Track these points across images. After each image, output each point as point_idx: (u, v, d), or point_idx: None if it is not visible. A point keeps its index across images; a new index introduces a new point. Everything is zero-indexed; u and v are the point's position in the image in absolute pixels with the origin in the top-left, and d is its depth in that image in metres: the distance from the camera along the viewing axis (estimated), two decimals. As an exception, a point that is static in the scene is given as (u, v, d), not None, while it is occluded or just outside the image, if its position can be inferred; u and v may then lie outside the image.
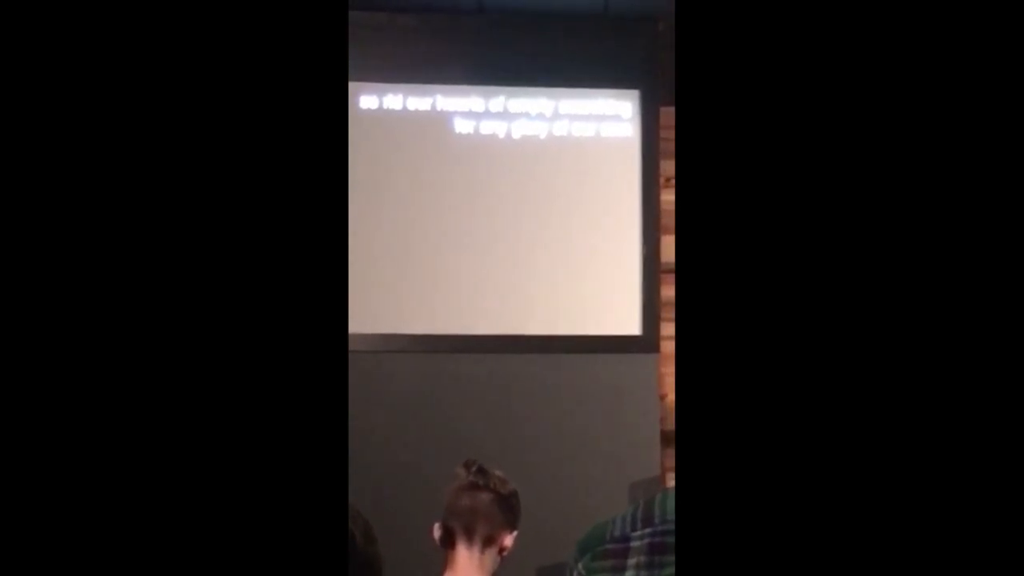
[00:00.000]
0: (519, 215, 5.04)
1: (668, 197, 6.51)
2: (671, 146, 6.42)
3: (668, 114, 6.30)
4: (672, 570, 1.33)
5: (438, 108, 5.02)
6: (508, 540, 2.90)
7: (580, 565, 1.43)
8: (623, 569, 1.39)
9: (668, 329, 4.93)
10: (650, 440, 4.87)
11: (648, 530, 1.40)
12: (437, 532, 2.87)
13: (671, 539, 1.37)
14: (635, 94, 5.33)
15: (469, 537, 2.82)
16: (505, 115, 5.11)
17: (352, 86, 4.83)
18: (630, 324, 5.06)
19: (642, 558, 1.39)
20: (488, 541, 2.85)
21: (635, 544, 1.39)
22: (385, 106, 4.99)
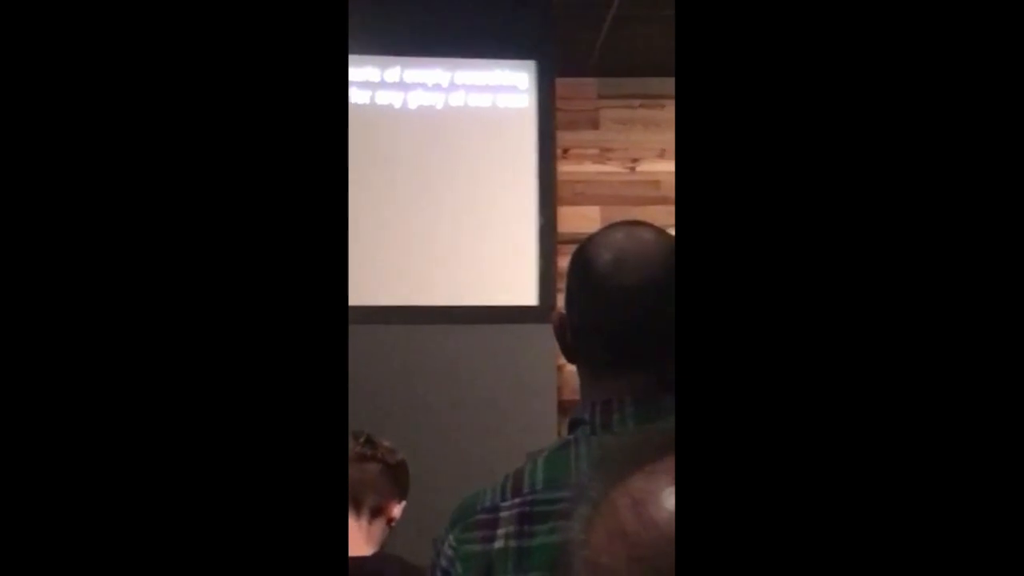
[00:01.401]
0: (416, 186, 5.02)
1: (564, 168, 6.52)
2: (567, 117, 6.43)
3: (564, 85, 6.31)
4: (542, 539, 1.34)
5: (332, 78, 4.97)
6: (396, 510, 2.90)
7: (451, 537, 1.43)
8: (492, 539, 1.40)
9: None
10: (546, 410, 4.90)
11: (517, 500, 1.40)
12: (325, 504, 2.85)
13: (540, 508, 1.38)
14: (531, 65, 5.34)
15: (357, 508, 2.81)
16: (401, 85, 5.07)
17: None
18: (526, 295, 5.08)
19: (511, 528, 1.39)
20: (376, 511, 2.84)
21: (504, 514, 1.40)
22: (278, 76, 4.93)
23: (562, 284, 1.53)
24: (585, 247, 1.48)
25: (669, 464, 0.73)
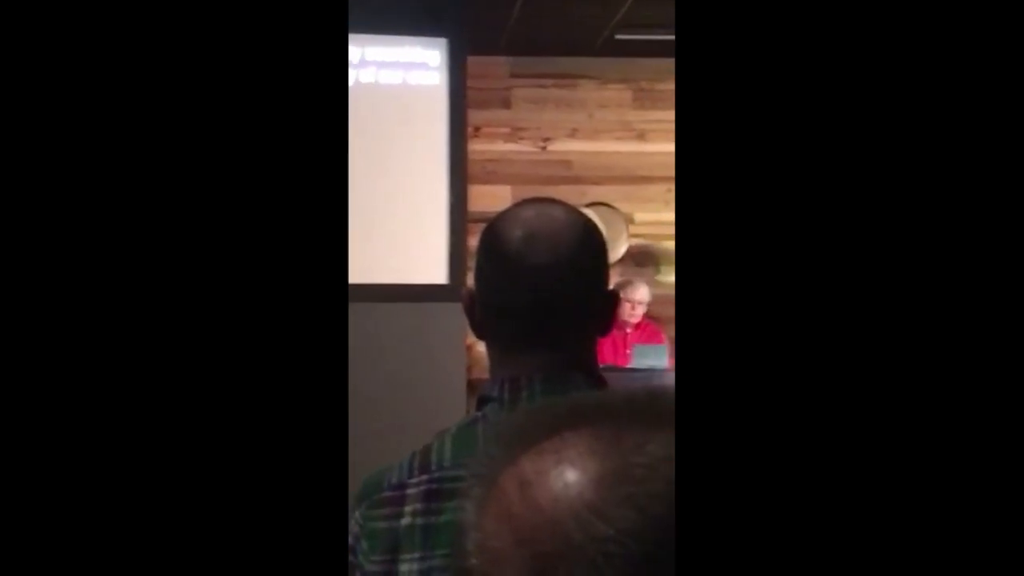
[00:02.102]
0: (325, 163, 4.98)
1: (475, 147, 6.52)
2: (478, 95, 6.42)
3: (475, 63, 6.30)
4: (449, 516, 1.33)
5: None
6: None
7: (357, 514, 1.43)
8: (399, 516, 1.39)
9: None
10: (456, 388, 4.90)
11: (424, 476, 1.40)
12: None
13: (447, 485, 1.37)
14: (443, 42, 5.31)
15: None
16: (311, 61, 5.02)
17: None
18: (437, 273, 5.07)
19: (418, 505, 1.38)
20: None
21: (411, 491, 1.39)
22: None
23: (472, 262, 1.53)
24: (495, 224, 1.47)
25: (558, 443, 0.71)
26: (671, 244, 6.51)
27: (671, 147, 6.52)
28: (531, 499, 0.69)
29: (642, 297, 5.85)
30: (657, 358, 5.44)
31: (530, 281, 1.40)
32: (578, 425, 0.71)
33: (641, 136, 6.46)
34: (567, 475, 0.69)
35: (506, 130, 6.52)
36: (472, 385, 5.44)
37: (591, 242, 1.43)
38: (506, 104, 6.53)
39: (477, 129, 6.41)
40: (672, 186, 6.48)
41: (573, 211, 1.47)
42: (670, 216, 6.48)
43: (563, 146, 6.53)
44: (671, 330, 6.14)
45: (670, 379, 4.89)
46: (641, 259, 6.43)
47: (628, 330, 5.85)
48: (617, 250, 6.20)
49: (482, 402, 1.47)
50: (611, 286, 1.49)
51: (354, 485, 1.44)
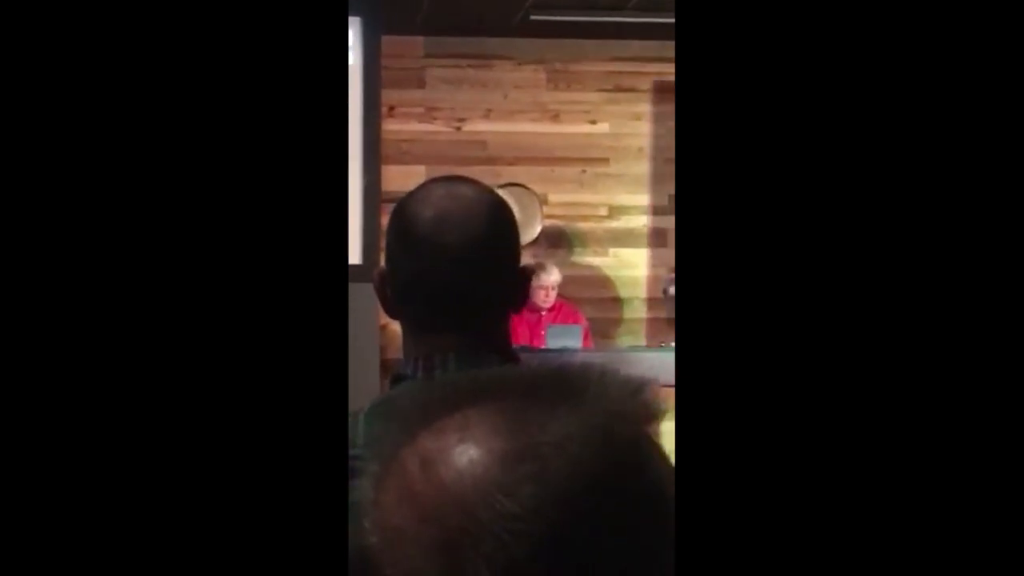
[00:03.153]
0: (237, 142, 4.93)
1: (390, 127, 6.49)
2: (393, 75, 6.39)
3: (390, 42, 6.27)
4: (356, 495, 1.33)
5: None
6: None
7: None
8: None
9: (389, 259, 4.94)
10: (370, 369, 4.89)
11: None
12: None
13: (357, 464, 1.38)
14: (357, 21, 5.28)
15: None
16: (222, 38, 4.96)
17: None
18: (350, 253, 5.04)
19: None
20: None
21: None
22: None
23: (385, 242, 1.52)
24: (405, 203, 1.47)
25: (460, 420, 0.71)
26: (585, 225, 6.54)
27: (585, 128, 6.55)
28: (435, 477, 0.68)
29: (554, 282, 5.87)
30: (572, 339, 5.47)
31: (441, 260, 1.41)
32: (481, 402, 0.71)
33: (556, 117, 6.48)
34: (471, 452, 0.68)
35: (420, 110, 6.50)
36: (386, 365, 5.43)
37: (501, 220, 1.43)
38: (420, 84, 6.50)
39: (391, 109, 6.39)
40: (586, 167, 6.51)
41: (482, 189, 1.47)
42: (584, 197, 6.51)
43: (478, 127, 6.53)
44: (587, 311, 6.18)
45: (584, 358, 4.91)
46: (555, 240, 6.46)
47: (543, 311, 5.87)
48: (531, 231, 6.21)
49: (396, 381, 1.47)
50: (525, 266, 1.50)
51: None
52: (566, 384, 0.72)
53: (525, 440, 0.68)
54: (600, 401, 0.71)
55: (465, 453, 0.68)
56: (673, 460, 0.81)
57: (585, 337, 5.83)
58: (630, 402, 0.72)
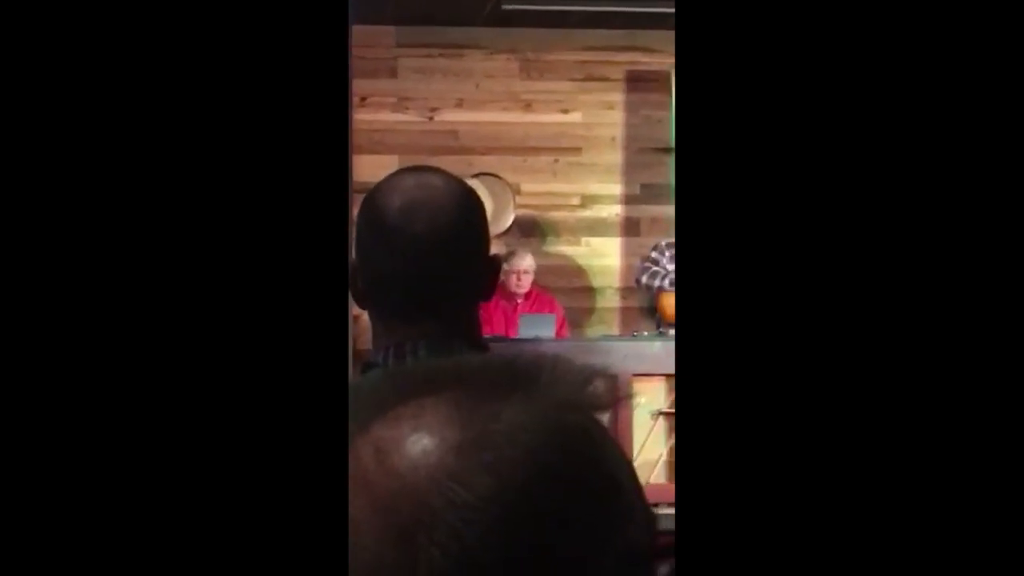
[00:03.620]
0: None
1: (361, 116, 6.48)
2: (365, 65, 6.37)
3: (361, 32, 6.25)
4: None
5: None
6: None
7: None
8: None
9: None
10: (343, 359, 4.87)
11: None
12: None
13: None
14: (328, 11, 5.26)
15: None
16: (193, 28, 4.94)
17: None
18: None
19: None
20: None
21: None
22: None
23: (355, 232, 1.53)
24: (375, 193, 1.47)
25: (415, 409, 0.71)
26: (557, 215, 6.54)
27: (558, 118, 6.55)
28: (389, 466, 0.69)
29: (527, 266, 5.88)
30: (544, 328, 5.48)
31: (410, 250, 1.41)
32: (435, 391, 0.71)
33: (528, 107, 6.48)
34: (425, 442, 0.68)
35: (392, 100, 6.49)
36: (358, 355, 5.42)
37: (470, 209, 1.44)
38: (392, 74, 6.49)
39: (363, 99, 6.37)
40: (558, 156, 6.51)
41: (452, 179, 1.47)
42: (556, 187, 6.51)
43: (450, 116, 6.52)
44: (560, 300, 6.19)
45: (554, 348, 4.89)
46: (528, 229, 6.46)
47: (519, 300, 5.87)
48: (503, 221, 6.22)
49: (366, 370, 1.48)
50: (492, 253, 1.50)
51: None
52: (520, 373, 0.73)
53: (479, 429, 0.68)
54: (553, 390, 0.72)
55: (419, 442, 0.68)
56: (675, 454, 0.82)
57: (561, 326, 5.84)
58: (582, 391, 0.73)
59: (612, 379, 0.75)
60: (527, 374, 0.72)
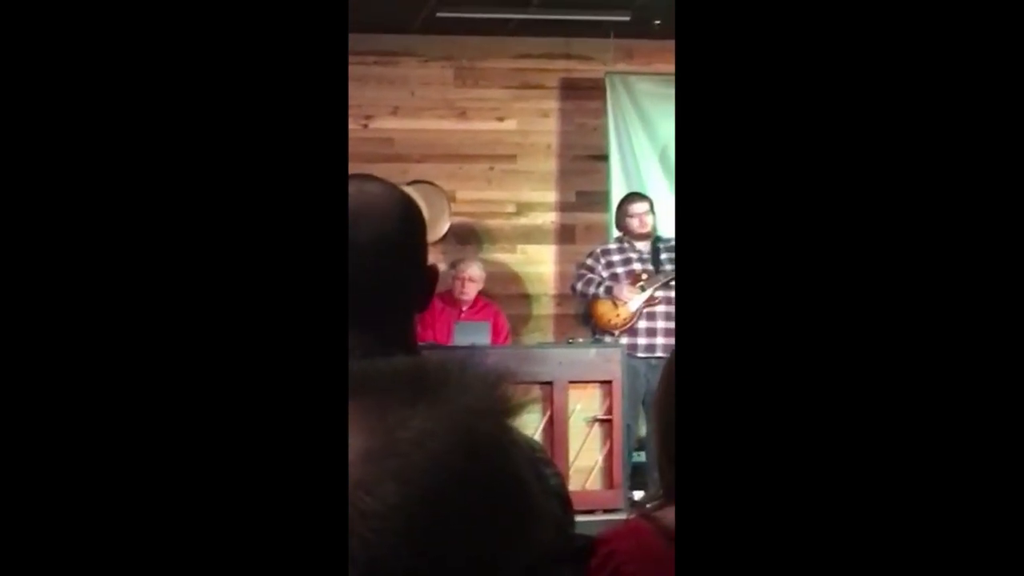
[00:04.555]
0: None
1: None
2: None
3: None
4: None
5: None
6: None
7: None
8: None
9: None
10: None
11: None
12: None
13: None
14: (262, 17, 5.23)
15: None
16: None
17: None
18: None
19: None
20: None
21: None
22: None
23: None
24: (312, 201, 1.47)
25: None
26: (493, 222, 6.55)
27: (493, 125, 6.56)
28: None
29: (473, 274, 5.86)
30: (479, 335, 5.47)
31: (351, 259, 1.40)
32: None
33: (463, 114, 6.48)
34: None
35: (327, 107, 6.45)
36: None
37: (408, 218, 1.44)
38: (327, 80, 6.45)
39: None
40: (493, 164, 6.52)
41: (389, 187, 1.47)
42: (492, 194, 6.52)
43: (385, 124, 6.51)
44: (504, 307, 6.18)
45: (489, 355, 4.88)
46: (464, 237, 6.46)
47: (463, 308, 5.86)
48: (439, 228, 6.21)
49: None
50: (431, 264, 1.50)
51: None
52: (426, 380, 0.73)
53: (385, 437, 0.68)
54: (460, 396, 0.72)
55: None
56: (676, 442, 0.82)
57: (505, 335, 5.84)
58: (489, 396, 0.73)
59: (518, 383, 0.75)
60: (434, 380, 0.72)
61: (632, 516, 1.37)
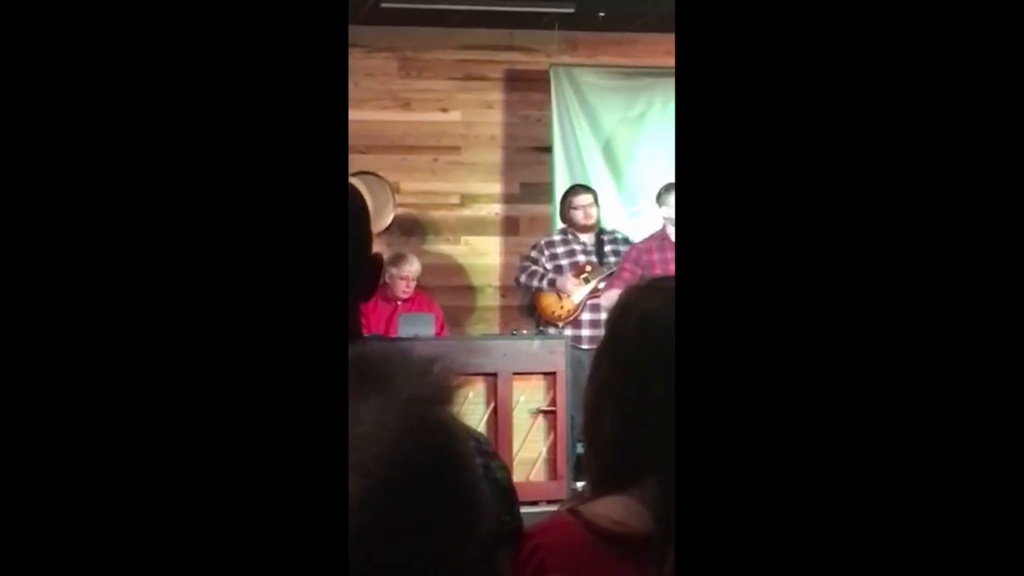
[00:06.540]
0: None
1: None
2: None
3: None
4: None
5: None
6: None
7: None
8: None
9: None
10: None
11: None
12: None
13: None
14: None
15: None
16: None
17: None
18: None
19: None
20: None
21: None
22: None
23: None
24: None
25: None
26: (437, 213, 6.54)
27: (437, 116, 6.54)
28: None
29: (414, 272, 5.86)
30: (423, 327, 5.47)
31: (293, 248, 1.40)
32: None
33: (407, 105, 6.47)
34: None
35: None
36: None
37: (352, 208, 1.43)
38: (270, 71, 6.41)
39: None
40: (438, 155, 6.50)
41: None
42: (437, 186, 6.51)
43: (329, 114, 6.46)
44: (440, 299, 6.18)
45: (436, 347, 4.88)
46: (408, 228, 6.45)
47: (398, 302, 5.85)
48: (384, 219, 6.19)
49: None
50: (376, 253, 1.50)
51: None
52: (370, 372, 0.74)
53: None
54: (407, 387, 0.73)
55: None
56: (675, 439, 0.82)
57: (440, 326, 5.84)
58: (433, 385, 0.75)
59: (456, 370, 0.76)
60: (379, 372, 0.73)
61: (558, 510, 1.37)
